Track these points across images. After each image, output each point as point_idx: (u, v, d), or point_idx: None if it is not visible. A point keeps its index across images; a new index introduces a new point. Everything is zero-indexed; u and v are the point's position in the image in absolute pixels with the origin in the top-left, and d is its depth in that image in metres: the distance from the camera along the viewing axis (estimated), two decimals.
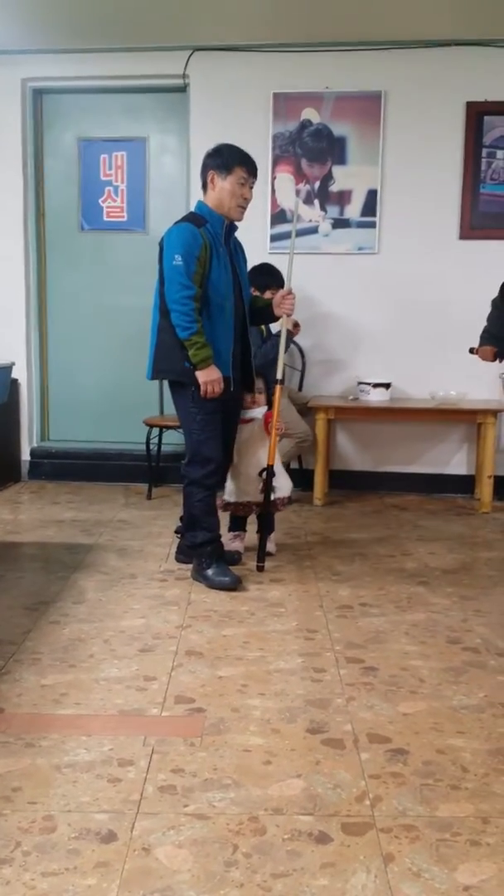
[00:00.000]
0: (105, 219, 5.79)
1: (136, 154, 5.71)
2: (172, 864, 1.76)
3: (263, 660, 2.84)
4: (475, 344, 4.55)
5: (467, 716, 2.45)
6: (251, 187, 3.69)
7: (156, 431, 5.27)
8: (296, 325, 4.83)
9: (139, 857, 1.78)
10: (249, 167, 3.66)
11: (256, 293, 4.54)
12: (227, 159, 3.63)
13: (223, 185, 3.62)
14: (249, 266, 4.11)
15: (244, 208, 3.70)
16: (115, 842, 1.83)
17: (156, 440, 5.33)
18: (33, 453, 5.88)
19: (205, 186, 3.70)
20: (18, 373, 5.70)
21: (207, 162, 3.69)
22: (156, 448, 5.35)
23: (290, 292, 3.89)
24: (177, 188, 5.65)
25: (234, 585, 3.57)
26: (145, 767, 2.14)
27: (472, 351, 4.51)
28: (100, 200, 5.77)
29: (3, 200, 5.63)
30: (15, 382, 5.69)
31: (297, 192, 5.39)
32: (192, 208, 3.80)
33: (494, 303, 4.47)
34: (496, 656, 2.89)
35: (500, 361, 4.40)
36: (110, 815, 1.93)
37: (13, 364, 4.02)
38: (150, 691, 2.59)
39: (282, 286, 4.37)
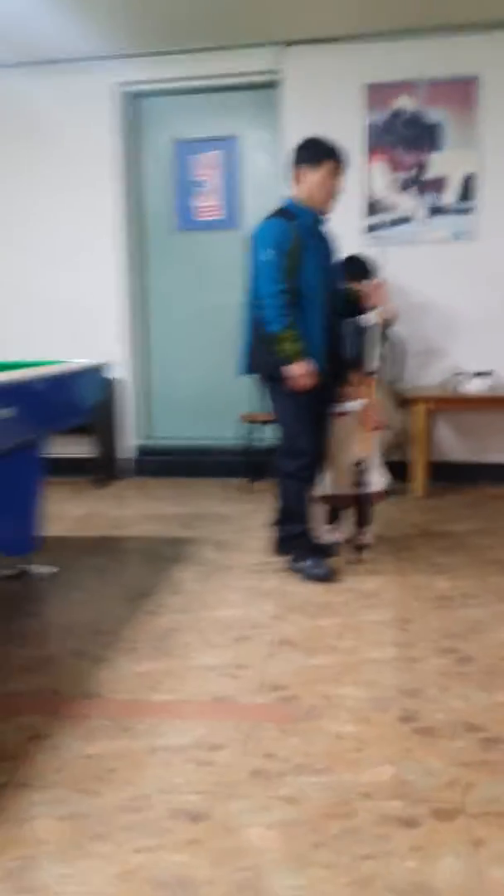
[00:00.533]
0: (201, 218, 5.87)
1: (230, 152, 5.77)
2: (262, 844, 1.79)
3: (357, 649, 2.84)
4: None
5: None
6: (341, 178, 3.68)
7: (253, 427, 5.32)
8: (393, 314, 4.78)
9: (229, 836, 1.82)
10: (339, 159, 3.64)
11: (349, 284, 4.52)
12: (316, 151, 3.63)
13: (313, 178, 3.62)
14: (341, 257, 4.09)
15: (335, 200, 3.69)
16: (207, 821, 1.87)
17: (253, 435, 5.37)
18: (139, 451, 6.01)
19: (295, 179, 3.71)
20: (122, 372, 5.85)
21: (296, 155, 3.69)
22: (254, 443, 5.39)
23: (381, 283, 3.85)
24: (270, 184, 5.67)
25: (330, 577, 3.58)
26: (237, 752, 2.17)
27: None
28: (195, 200, 5.86)
29: (102, 204, 5.77)
30: (117, 382, 5.84)
31: (393, 182, 5.35)
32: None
33: None
34: None
35: None
36: (202, 795, 1.97)
37: (106, 364, 4.12)
38: (244, 678, 2.62)
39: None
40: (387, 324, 4.84)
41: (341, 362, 3.85)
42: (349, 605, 3.28)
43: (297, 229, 3.57)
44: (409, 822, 1.85)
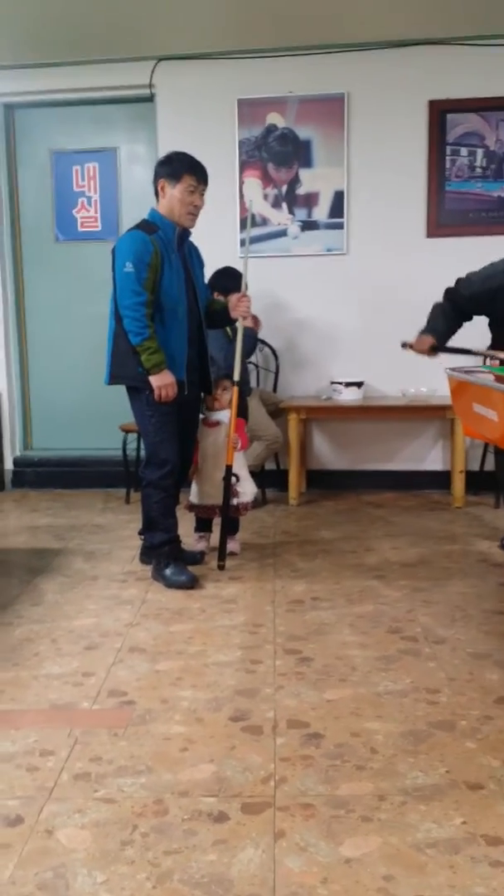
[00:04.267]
0: (79, 229, 5.89)
1: (108, 164, 5.81)
2: (71, 844, 1.83)
3: (203, 654, 2.90)
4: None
5: (389, 700, 2.50)
6: (202, 194, 3.74)
7: (133, 437, 5.35)
8: (255, 320, 4.89)
9: (41, 838, 1.85)
10: (199, 175, 3.72)
11: (220, 297, 4.61)
12: (176, 167, 3.70)
13: (173, 193, 3.69)
14: (211, 270, 4.15)
15: (195, 215, 3.75)
16: (21, 825, 1.90)
17: (132, 445, 5.40)
18: (16, 462, 5.98)
19: (157, 194, 3.77)
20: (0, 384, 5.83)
21: (158, 170, 3.76)
22: (133, 453, 5.42)
23: (245, 294, 3.94)
24: (147, 196, 5.68)
25: (191, 584, 3.64)
26: (65, 757, 2.21)
27: (404, 346, 4.15)
28: (73, 211, 5.88)
29: None
30: None
31: (266, 197, 5.46)
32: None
33: (440, 305, 4.25)
34: (432, 644, 2.94)
35: (436, 356, 4.23)
36: (22, 801, 2.00)
37: None
38: (86, 686, 2.66)
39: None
40: (252, 333, 4.96)
41: (206, 373, 3.94)
42: (205, 611, 3.35)
43: (158, 242, 3.63)
44: (218, 818, 1.92)
